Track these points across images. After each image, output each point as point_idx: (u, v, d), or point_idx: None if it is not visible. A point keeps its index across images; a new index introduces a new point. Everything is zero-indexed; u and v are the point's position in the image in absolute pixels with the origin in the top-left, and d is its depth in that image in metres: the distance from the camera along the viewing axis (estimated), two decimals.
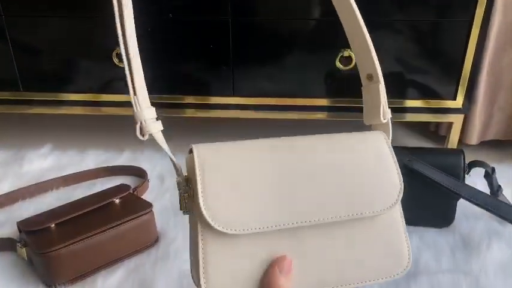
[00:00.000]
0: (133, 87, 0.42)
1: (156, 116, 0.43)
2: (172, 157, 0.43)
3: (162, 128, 0.43)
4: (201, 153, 0.42)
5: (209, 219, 0.39)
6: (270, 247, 0.41)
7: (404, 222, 0.46)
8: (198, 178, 0.40)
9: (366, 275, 0.44)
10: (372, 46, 0.47)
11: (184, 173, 0.43)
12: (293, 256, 0.41)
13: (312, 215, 0.41)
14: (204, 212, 0.39)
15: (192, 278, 0.43)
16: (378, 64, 0.47)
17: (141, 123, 0.41)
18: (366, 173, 0.43)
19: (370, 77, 0.48)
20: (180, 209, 0.42)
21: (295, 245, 0.42)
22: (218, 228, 0.39)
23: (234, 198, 0.40)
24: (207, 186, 0.40)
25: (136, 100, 0.41)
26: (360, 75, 0.49)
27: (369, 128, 0.50)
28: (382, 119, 0.48)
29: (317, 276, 0.42)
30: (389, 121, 0.48)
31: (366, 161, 0.44)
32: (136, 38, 0.47)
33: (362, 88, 0.50)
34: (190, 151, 0.43)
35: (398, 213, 0.46)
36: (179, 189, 0.42)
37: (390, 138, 0.48)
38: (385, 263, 0.44)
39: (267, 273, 0.40)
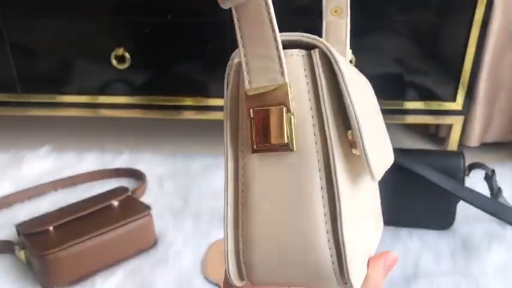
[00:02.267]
0: None
1: None
2: (279, 40, 0.25)
3: None
4: (336, 53, 0.26)
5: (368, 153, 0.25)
6: None
7: None
8: (350, 91, 0.25)
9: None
10: None
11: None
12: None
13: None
14: (365, 143, 0.25)
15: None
16: None
17: None
18: None
19: (338, 11, 0.41)
20: (272, 144, 0.25)
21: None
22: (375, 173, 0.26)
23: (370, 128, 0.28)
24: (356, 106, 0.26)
25: None
26: (324, 9, 0.41)
27: None
28: (346, 58, 0.40)
29: None
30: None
31: None
32: None
33: (324, 24, 0.41)
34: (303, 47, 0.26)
35: None
36: (285, 110, 0.24)
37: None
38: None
39: (373, 266, 0.30)
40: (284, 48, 0.25)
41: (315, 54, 0.25)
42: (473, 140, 1.10)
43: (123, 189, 0.80)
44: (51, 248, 0.65)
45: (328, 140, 0.24)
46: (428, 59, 0.99)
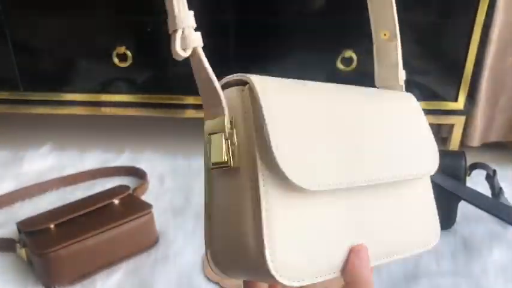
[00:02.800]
0: None
1: (195, 25, 0.32)
2: (217, 85, 0.32)
3: (202, 45, 0.33)
4: (262, 86, 0.31)
5: (284, 167, 0.29)
6: (342, 210, 0.34)
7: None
8: (267, 119, 0.30)
9: (409, 243, 0.40)
10: (394, 2, 0.43)
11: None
12: (360, 224, 0.35)
13: (377, 173, 0.35)
14: (278, 159, 0.29)
15: (215, 265, 0.33)
16: (397, 21, 0.44)
17: (182, 31, 0.31)
18: (415, 133, 0.41)
19: (387, 35, 0.44)
20: (214, 164, 0.31)
21: (356, 207, 0.35)
22: (297, 182, 0.30)
23: (306, 148, 0.32)
24: (274, 131, 0.30)
25: None
26: (373, 32, 0.45)
27: None
28: (399, 79, 0.46)
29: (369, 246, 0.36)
30: (403, 85, 0.46)
31: (412, 121, 0.42)
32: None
33: (374, 47, 0.45)
34: (241, 84, 0.32)
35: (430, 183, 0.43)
36: (224, 136, 0.31)
37: None
38: (425, 231, 0.42)
39: (349, 262, 0.34)
40: (231, 85, 0.33)
41: (245, 90, 0.31)
42: (475, 140, 1.09)
43: (124, 188, 0.80)
44: (52, 246, 0.65)
45: (257, 160, 0.30)
46: (430, 59, 0.98)
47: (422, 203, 0.41)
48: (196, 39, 0.32)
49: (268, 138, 0.29)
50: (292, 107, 0.32)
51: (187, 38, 0.31)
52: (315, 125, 0.33)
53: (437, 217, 0.43)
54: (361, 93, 0.41)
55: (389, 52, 0.45)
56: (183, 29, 0.31)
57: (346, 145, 0.34)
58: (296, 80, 0.36)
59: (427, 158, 0.41)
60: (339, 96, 0.38)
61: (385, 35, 0.43)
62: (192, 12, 0.32)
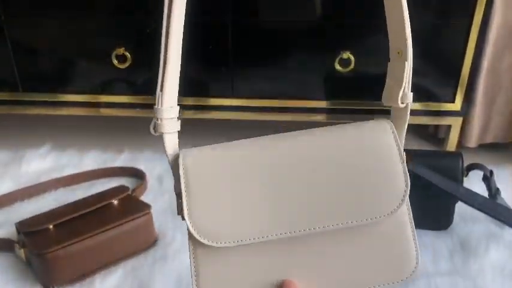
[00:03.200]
0: (162, 83, 0.42)
1: (176, 116, 0.42)
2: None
3: (179, 129, 0.43)
4: (186, 161, 0.40)
5: (195, 233, 0.38)
6: (266, 258, 0.39)
7: (413, 223, 0.41)
8: (183, 189, 0.39)
9: (371, 281, 0.41)
10: (409, 21, 0.41)
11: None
12: (293, 267, 0.39)
13: (308, 223, 0.38)
14: (190, 226, 0.38)
15: None
16: (410, 42, 0.42)
17: (156, 120, 0.40)
18: (367, 173, 0.39)
19: (400, 53, 0.42)
20: (178, 214, 0.41)
21: (293, 254, 0.39)
22: (205, 242, 0.38)
23: (222, 208, 0.38)
24: (193, 197, 0.39)
25: (160, 96, 0.41)
26: (390, 49, 0.43)
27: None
28: (399, 101, 0.41)
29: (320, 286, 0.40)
30: (408, 107, 0.42)
31: (366, 159, 0.39)
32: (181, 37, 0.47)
33: (388, 64, 0.44)
34: (177, 158, 0.41)
35: (405, 215, 0.41)
36: (176, 196, 0.40)
37: (406, 125, 0.42)
38: (391, 267, 0.41)
39: None
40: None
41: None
42: (472, 141, 1.10)
43: (123, 188, 0.80)
44: (50, 247, 0.65)
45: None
46: (428, 60, 0.99)
47: (388, 240, 0.40)
48: (167, 128, 0.40)
49: (182, 205, 0.39)
50: (213, 174, 0.39)
51: (158, 126, 0.40)
52: (235, 187, 0.38)
53: (414, 248, 0.41)
54: (312, 140, 0.41)
55: (398, 71, 0.42)
56: (157, 119, 0.40)
57: (269, 199, 0.38)
58: (229, 143, 0.41)
59: (387, 198, 0.39)
60: (276, 151, 0.40)
61: (398, 53, 0.42)
62: (176, 108, 0.42)
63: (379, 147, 0.40)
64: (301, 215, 0.38)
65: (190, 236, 0.39)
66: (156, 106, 0.41)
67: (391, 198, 0.39)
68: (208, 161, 0.40)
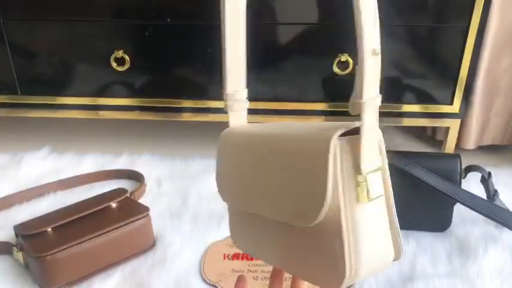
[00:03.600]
0: (223, 71, 0.49)
1: (241, 98, 0.49)
2: None
3: (246, 107, 0.50)
4: (222, 138, 0.49)
5: (220, 193, 0.49)
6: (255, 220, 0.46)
7: (346, 240, 0.36)
8: (217, 158, 0.49)
9: (305, 276, 0.42)
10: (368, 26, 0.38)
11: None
12: (259, 229, 0.46)
13: (263, 209, 0.43)
14: (218, 188, 0.49)
15: None
16: (367, 46, 0.38)
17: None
18: (299, 182, 0.38)
19: (375, 51, 0.37)
20: None
21: (262, 222, 0.45)
22: (223, 200, 0.49)
23: (227, 175, 0.48)
24: (220, 167, 0.49)
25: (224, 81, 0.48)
26: (359, 51, 0.38)
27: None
28: (361, 95, 0.36)
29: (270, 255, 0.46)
30: (371, 107, 0.36)
31: (301, 169, 0.38)
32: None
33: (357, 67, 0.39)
34: None
35: (332, 232, 0.37)
36: None
37: (364, 127, 0.36)
38: (321, 274, 0.39)
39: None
40: None
41: None
42: (470, 143, 1.10)
43: (121, 191, 0.80)
44: (49, 250, 0.65)
45: None
46: (426, 62, 0.99)
47: (316, 247, 0.39)
48: (229, 107, 0.50)
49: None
50: (234, 149, 0.47)
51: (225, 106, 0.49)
52: (236, 161, 0.47)
53: (348, 264, 0.36)
54: (282, 135, 0.43)
55: (366, 67, 0.38)
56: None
57: (250, 180, 0.44)
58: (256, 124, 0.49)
59: (304, 211, 0.37)
60: (261, 140, 0.44)
61: (373, 51, 0.38)
62: (238, 92, 0.49)
63: (313, 161, 0.37)
64: (259, 198, 0.43)
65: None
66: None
67: (312, 211, 0.37)
68: (231, 139, 0.48)
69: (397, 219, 0.43)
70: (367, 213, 0.38)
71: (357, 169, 0.36)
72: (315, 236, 0.38)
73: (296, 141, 0.39)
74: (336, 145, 0.35)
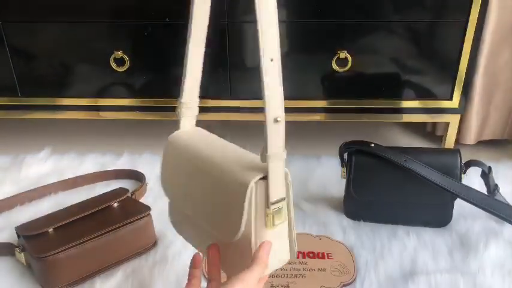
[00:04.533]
0: (182, 81, 0.60)
1: (192, 107, 0.60)
2: None
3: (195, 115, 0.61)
4: (170, 141, 0.59)
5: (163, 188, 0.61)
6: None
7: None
8: (162, 163, 0.60)
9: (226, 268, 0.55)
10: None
11: None
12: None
13: (196, 216, 0.55)
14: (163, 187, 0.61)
15: None
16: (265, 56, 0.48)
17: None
18: (225, 208, 0.50)
19: (276, 119, 0.47)
20: None
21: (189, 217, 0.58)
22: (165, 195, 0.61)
23: (167, 175, 0.60)
24: (164, 166, 0.60)
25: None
26: (267, 119, 0.47)
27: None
28: (266, 150, 0.46)
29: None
30: (275, 158, 0.47)
31: (227, 199, 0.50)
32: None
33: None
34: None
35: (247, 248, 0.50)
36: None
37: (270, 174, 0.47)
38: (239, 268, 0.49)
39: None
40: None
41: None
42: (470, 138, 1.10)
43: (122, 191, 0.80)
44: (50, 250, 0.65)
45: None
46: (425, 58, 0.99)
47: (235, 250, 0.52)
48: (180, 114, 0.60)
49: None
50: (177, 157, 0.57)
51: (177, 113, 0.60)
52: (179, 170, 0.56)
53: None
54: (212, 154, 0.54)
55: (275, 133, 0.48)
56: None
57: (183, 187, 0.56)
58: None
59: (226, 230, 0.50)
60: (197, 152, 0.55)
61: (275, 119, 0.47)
62: (191, 101, 0.62)
63: (235, 196, 0.48)
64: (192, 205, 0.55)
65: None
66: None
67: (231, 234, 0.49)
68: (177, 146, 0.57)
69: (294, 229, 0.53)
70: (272, 234, 0.50)
71: (266, 204, 0.48)
72: (235, 244, 0.51)
73: (226, 174, 0.50)
74: (252, 188, 0.47)
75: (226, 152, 0.54)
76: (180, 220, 0.62)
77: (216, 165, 0.51)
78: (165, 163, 0.59)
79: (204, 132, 0.60)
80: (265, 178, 0.48)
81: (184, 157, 0.55)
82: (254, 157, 0.51)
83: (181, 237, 0.79)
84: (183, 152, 0.56)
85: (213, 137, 0.59)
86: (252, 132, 1.17)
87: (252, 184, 0.46)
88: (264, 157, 0.47)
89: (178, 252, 0.75)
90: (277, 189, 0.48)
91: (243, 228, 0.47)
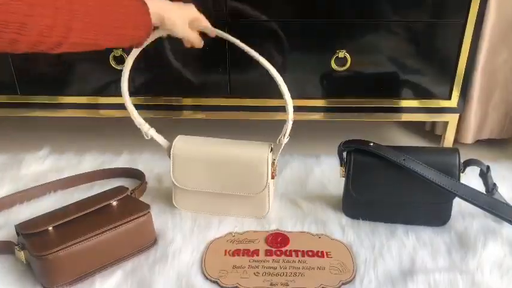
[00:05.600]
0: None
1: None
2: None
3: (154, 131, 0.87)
4: (176, 143, 0.84)
5: (175, 182, 0.84)
6: (205, 198, 0.84)
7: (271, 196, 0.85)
8: (171, 160, 0.84)
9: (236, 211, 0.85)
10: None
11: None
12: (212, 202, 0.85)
13: (220, 188, 0.82)
14: (173, 178, 0.84)
15: None
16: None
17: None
18: (247, 173, 0.80)
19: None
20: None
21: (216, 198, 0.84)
22: (178, 185, 0.84)
23: (187, 172, 0.83)
24: (175, 165, 0.84)
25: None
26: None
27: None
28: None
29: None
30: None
31: (248, 166, 0.80)
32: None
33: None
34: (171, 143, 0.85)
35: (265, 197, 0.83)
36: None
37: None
38: (252, 211, 0.84)
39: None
40: None
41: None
42: (468, 137, 1.11)
43: (122, 189, 0.81)
44: (50, 248, 0.65)
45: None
46: (424, 58, 0.99)
47: (253, 206, 0.84)
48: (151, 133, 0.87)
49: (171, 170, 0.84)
50: (187, 154, 0.82)
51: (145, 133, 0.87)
52: (195, 163, 0.82)
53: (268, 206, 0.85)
54: (226, 147, 0.82)
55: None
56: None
57: (207, 173, 0.82)
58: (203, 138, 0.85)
59: (252, 188, 0.81)
60: (211, 149, 0.82)
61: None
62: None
63: (256, 161, 0.80)
64: (212, 182, 0.82)
65: (174, 183, 0.84)
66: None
67: (256, 188, 0.81)
68: (185, 146, 0.83)
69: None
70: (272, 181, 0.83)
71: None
72: (251, 197, 0.82)
73: (242, 157, 0.80)
74: (268, 158, 0.79)
75: (230, 144, 0.82)
76: (187, 200, 0.85)
77: (231, 152, 0.80)
78: (176, 164, 0.83)
79: (197, 138, 0.85)
80: (271, 151, 0.80)
81: (197, 156, 0.81)
82: (250, 142, 0.82)
83: (181, 234, 0.80)
84: (194, 152, 0.82)
85: (209, 138, 0.84)
86: (250, 132, 1.17)
87: (268, 156, 0.79)
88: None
89: (178, 250, 0.75)
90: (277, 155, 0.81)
91: (268, 182, 0.80)
